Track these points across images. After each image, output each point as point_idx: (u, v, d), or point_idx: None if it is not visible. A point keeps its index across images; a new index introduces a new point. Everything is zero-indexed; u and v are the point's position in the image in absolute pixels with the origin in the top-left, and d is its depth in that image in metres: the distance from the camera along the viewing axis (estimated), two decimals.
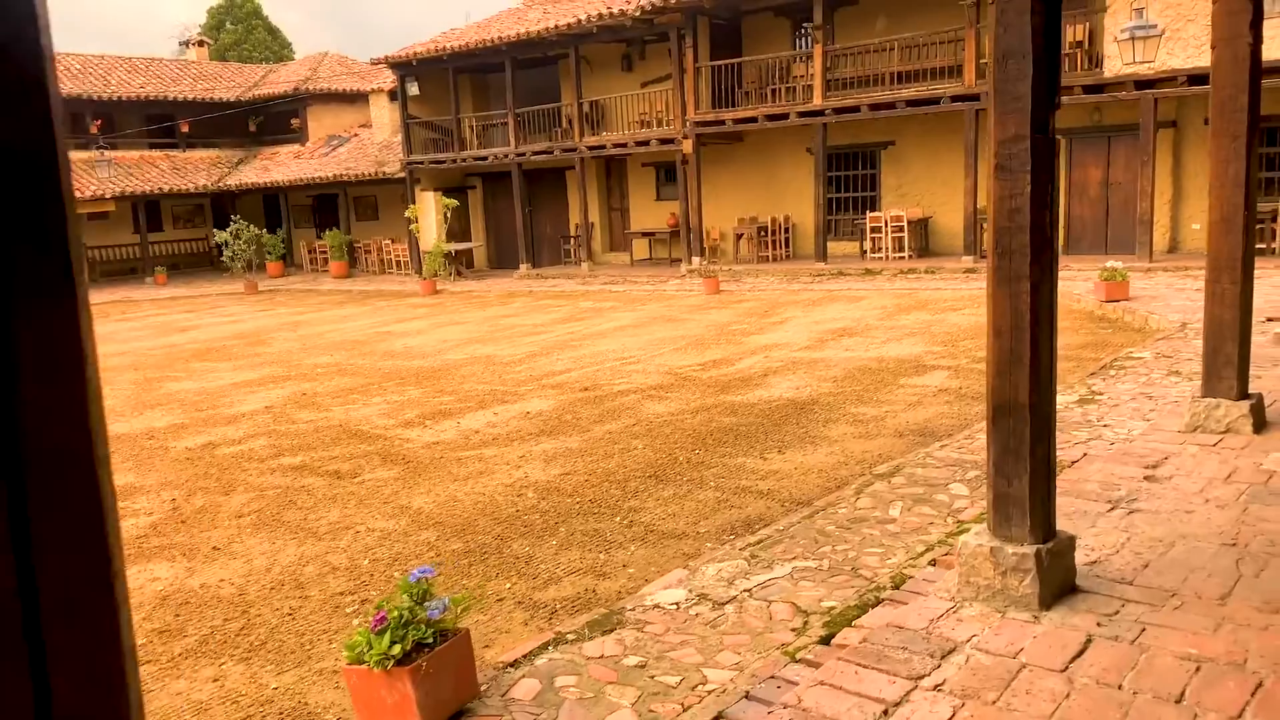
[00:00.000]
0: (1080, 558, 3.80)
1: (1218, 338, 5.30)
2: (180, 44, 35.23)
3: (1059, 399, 7.40)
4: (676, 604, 4.03)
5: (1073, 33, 16.15)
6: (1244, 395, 5.35)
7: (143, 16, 76.26)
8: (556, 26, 20.80)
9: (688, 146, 20.00)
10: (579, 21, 20.40)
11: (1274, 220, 14.94)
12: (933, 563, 4.18)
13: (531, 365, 11.34)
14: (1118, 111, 16.37)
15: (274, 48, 45.01)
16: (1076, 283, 14.38)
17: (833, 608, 3.86)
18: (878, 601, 3.83)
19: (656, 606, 4.03)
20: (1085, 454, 5.54)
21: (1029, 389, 3.26)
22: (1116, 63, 14.57)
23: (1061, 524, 4.27)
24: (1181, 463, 4.92)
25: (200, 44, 35.17)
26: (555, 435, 7.92)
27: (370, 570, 5.28)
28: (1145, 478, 4.73)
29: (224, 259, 25.01)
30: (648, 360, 11.09)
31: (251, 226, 24.91)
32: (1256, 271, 13.77)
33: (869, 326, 12.39)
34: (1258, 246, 15.06)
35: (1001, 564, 3.37)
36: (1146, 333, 10.37)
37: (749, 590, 4.13)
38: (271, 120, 31.67)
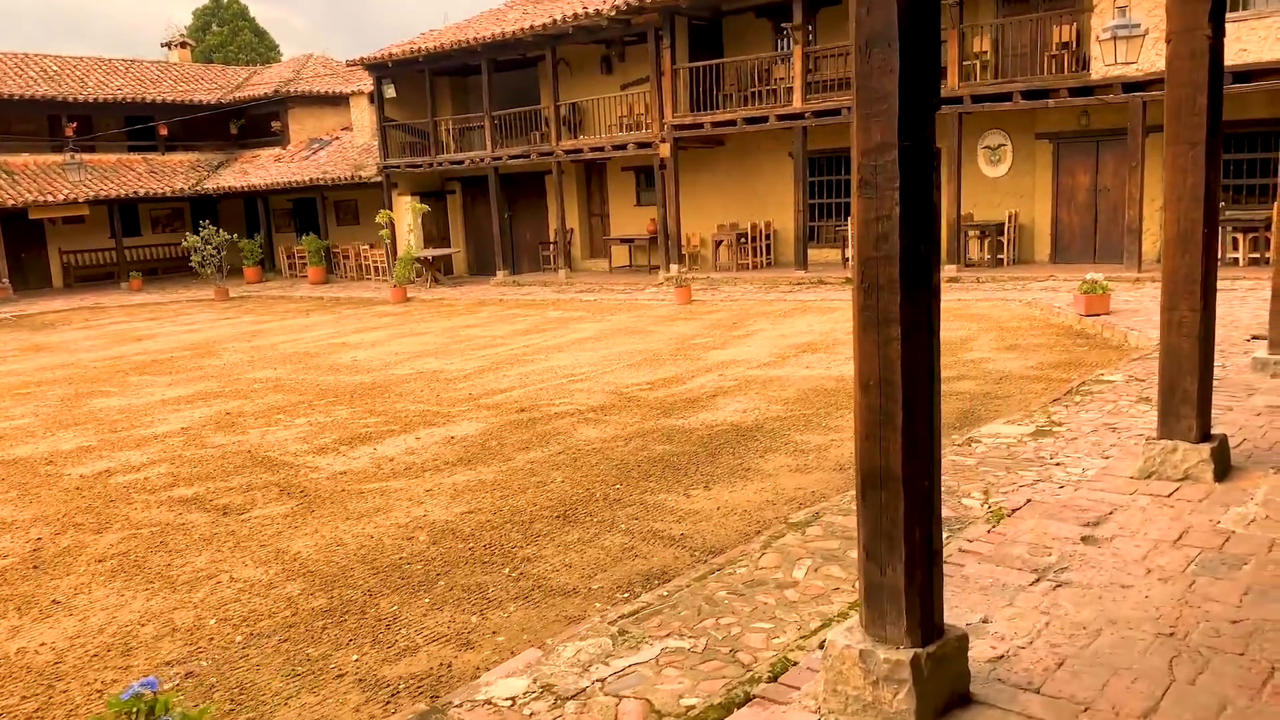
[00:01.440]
0: (985, 650, 3.17)
1: (1175, 372, 4.65)
2: (163, 45, 34.57)
3: (1014, 430, 6.76)
4: (512, 699, 3.40)
5: (1059, 34, 15.48)
6: (1205, 437, 4.70)
7: (148, 17, 75.85)
8: (533, 27, 20.22)
9: (665, 150, 19.37)
10: (554, 22, 19.81)
11: (1266, 229, 14.24)
12: (823, 644, 3.54)
13: (475, 382, 10.71)
14: (1106, 115, 15.71)
15: (260, 49, 44.44)
16: (1060, 294, 13.73)
17: (691, 708, 3.23)
18: (746, 699, 3.20)
19: (488, 702, 3.40)
20: (1029, 500, 4.89)
21: (901, 457, 2.62)
22: (1101, 64, 13.90)
23: (975, 600, 3.64)
24: (1128, 518, 4.27)
25: (183, 45, 34.62)
26: (473, 464, 7.30)
27: (213, 633, 4.66)
28: (1083, 538, 4.07)
29: (193, 264, 24.42)
30: (597, 377, 10.45)
31: (222, 231, 24.31)
32: (1253, 283, 12.86)
33: (836, 341, 11.73)
34: (1252, 256, 14.41)
35: (873, 672, 2.73)
36: (1125, 350, 9.70)
37: (603, 680, 3.49)
38: (253, 123, 31.09)
